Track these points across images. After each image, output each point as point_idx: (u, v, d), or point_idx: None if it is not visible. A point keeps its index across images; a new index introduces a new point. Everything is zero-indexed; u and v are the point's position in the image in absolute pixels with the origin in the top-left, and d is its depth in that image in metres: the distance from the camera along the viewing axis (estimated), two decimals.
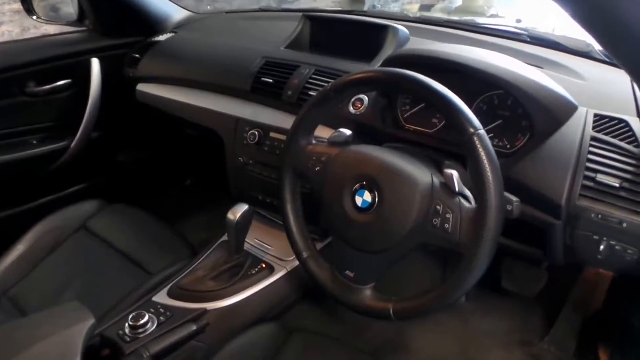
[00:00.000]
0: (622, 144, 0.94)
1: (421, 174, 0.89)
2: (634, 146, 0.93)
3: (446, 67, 1.06)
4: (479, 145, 0.80)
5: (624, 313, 1.42)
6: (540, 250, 1.05)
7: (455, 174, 0.85)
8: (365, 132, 1.21)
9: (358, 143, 1.04)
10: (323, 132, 1.26)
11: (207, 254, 1.38)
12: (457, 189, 0.85)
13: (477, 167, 0.80)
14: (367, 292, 0.95)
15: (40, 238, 1.49)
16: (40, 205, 1.76)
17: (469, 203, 0.86)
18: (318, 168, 1.00)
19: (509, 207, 0.88)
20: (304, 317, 1.45)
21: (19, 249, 1.45)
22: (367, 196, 0.91)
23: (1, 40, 1.73)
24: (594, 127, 0.98)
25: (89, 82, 1.73)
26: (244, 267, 1.32)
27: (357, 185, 0.93)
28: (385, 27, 1.37)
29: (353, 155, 0.97)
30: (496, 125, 1.07)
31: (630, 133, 0.95)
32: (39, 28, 1.81)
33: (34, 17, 1.83)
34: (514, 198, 0.89)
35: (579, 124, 0.99)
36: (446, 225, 0.84)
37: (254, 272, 1.31)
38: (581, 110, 1.02)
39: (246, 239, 1.37)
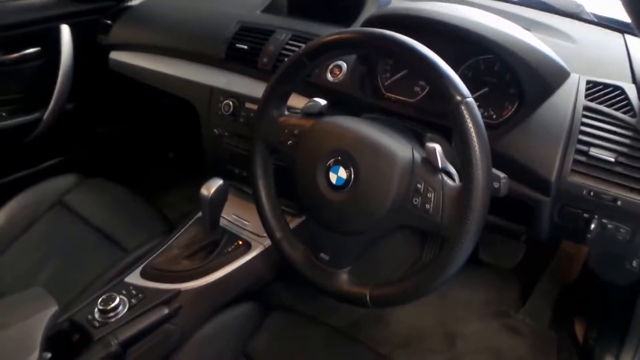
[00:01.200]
0: (618, 113, 0.87)
1: (401, 148, 0.82)
2: (630, 116, 0.86)
3: (430, 27, 0.99)
4: (466, 116, 0.72)
5: (601, 285, 1.39)
6: (523, 226, 0.99)
7: (438, 148, 0.78)
8: (344, 102, 1.14)
9: (335, 113, 0.97)
10: (299, 101, 1.19)
11: (182, 231, 1.31)
12: (440, 165, 0.77)
13: (463, 140, 0.72)
14: (344, 276, 0.89)
15: (15, 215, 1.43)
16: (14, 180, 1.69)
17: (452, 181, 0.78)
18: (290, 142, 0.93)
19: (495, 185, 0.82)
20: (281, 294, 1.41)
21: None
22: (342, 173, 0.84)
23: None
24: (587, 96, 0.91)
25: (59, 51, 1.64)
26: (219, 244, 1.26)
27: (332, 160, 0.85)
28: None
29: (327, 127, 0.89)
30: (482, 93, 1.00)
31: (626, 102, 0.88)
32: None
33: None
34: (501, 174, 0.82)
35: (571, 92, 0.92)
36: (427, 206, 0.77)
37: (230, 249, 1.25)
38: (573, 77, 0.95)
39: (223, 215, 1.31)
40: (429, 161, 0.79)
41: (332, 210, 0.87)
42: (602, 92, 0.91)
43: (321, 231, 0.92)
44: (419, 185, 0.78)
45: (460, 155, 0.74)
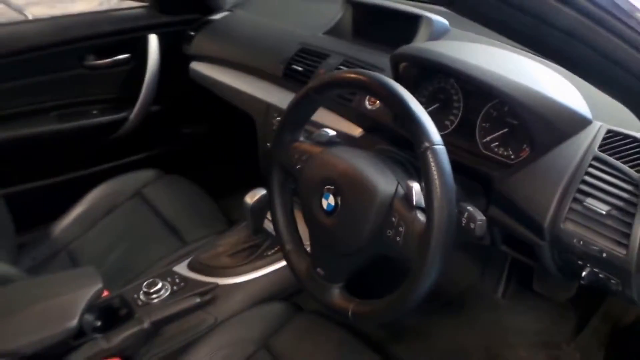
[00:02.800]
0: (624, 167, 0.86)
1: (385, 183, 0.88)
2: (636, 171, 0.86)
3: (446, 71, 1.04)
4: (432, 161, 0.77)
5: None
6: (536, 262, 1.01)
7: (415, 186, 0.83)
8: (380, 129, 1.21)
9: (374, 140, 1.03)
10: (342, 124, 1.28)
11: (231, 232, 1.45)
12: (414, 202, 0.82)
13: (427, 183, 0.78)
14: (335, 290, 0.96)
15: (99, 201, 1.64)
16: (101, 170, 1.90)
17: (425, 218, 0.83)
18: (299, 166, 1.01)
19: (472, 226, 0.86)
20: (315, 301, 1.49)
21: (79, 209, 1.61)
22: (332, 200, 0.92)
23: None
24: (601, 146, 0.90)
25: (147, 58, 1.84)
26: (260, 247, 1.38)
27: (325, 187, 0.93)
28: (418, 18, 1.34)
29: (326, 157, 0.97)
30: (502, 133, 1.02)
31: (638, 155, 0.88)
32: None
33: None
34: (479, 217, 0.86)
35: (586, 141, 0.92)
36: (398, 239, 0.83)
37: (269, 253, 1.37)
38: (594, 125, 0.94)
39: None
40: (409, 197, 0.84)
41: (323, 232, 0.95)
42: (618, 143, 0.90)
43: (318, 248, 1.00)
44: (393, 219, 0.84)
45: (425, 197, 0.79)
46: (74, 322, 1.03)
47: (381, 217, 0.85)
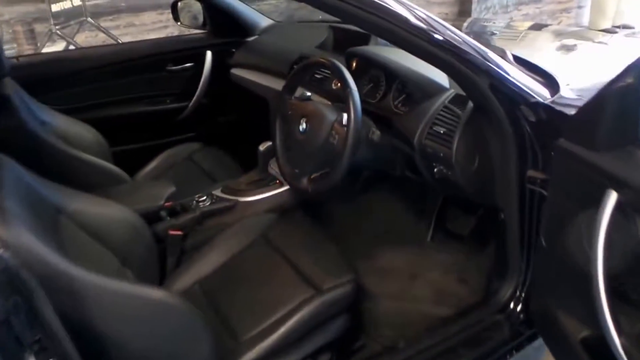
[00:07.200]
0: (455, 108, 1.57)
1: (330, 114, 1.63)
2: (460, 110, 1.56)
3: (372, 62, 1.79)
4: (350, 98, 1.52)
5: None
6: (420, 177, 1.73)
7: (345, 115, 1.57)
8: (338, 101, 1.94)
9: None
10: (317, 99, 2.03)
11: (248, 173, 2.20)
12: (343, 123, 1.56)
13: (348, 111, 1.52)
14: (304, 180, 1.69)
15: (162, 163, 2.43)
16: (167, 142, 2.66)
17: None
18: (290, 112, 1.77)
19: (373, 136, 1.60)
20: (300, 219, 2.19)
21: (152, 164, 2.41)
22: (304, 125, 1.67)
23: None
24: (450, 100, 1.62)
25: (203, 66, 2.68)
26: (265, 181, 2.12)
27: (302, 119, 1.68)
28: (369, 36, 2.09)
29: (304, 104, 1.72)
30: (402, 98, 1.76)
31: (465, 104, 1.59)
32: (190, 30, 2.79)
33: (179, 23, 2.83)
34: (376, 131, 1.61)
35: (442, 97, 1.63)
36: (334, 142, 1.57)
37: (270, 184, 2.10)
38: (449, 91, 1.66)
39: (274, 167, 2.17)
40: (341, 121, 1.58)
41: (300, 144, 1.69)
42: (458, 99, 1.61)
43: (296, 158, 1.74)
44: (333, 132, 1.59)
45: (347, 119, 1.52)
46: (162, 201, 1.83)
47: (327, 132, 1.61)
